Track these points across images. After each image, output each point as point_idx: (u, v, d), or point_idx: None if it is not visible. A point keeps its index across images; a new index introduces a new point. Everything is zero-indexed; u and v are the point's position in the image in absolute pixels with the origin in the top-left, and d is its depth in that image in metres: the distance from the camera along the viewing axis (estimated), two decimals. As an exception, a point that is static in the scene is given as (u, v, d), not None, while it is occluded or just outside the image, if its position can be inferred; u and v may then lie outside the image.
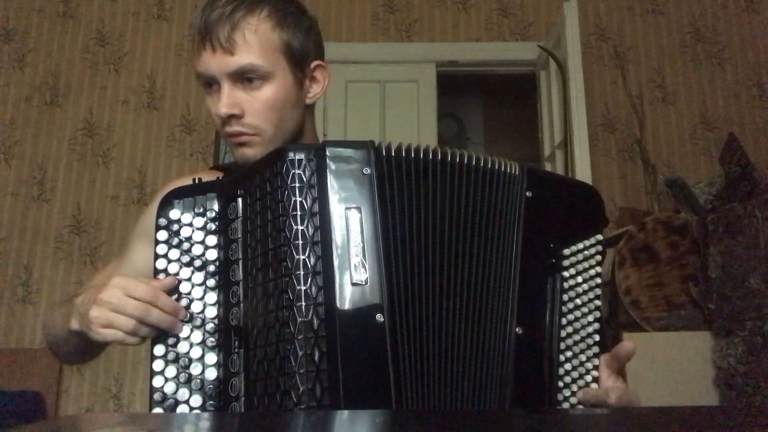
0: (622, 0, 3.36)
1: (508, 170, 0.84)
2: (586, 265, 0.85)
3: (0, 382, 2.72)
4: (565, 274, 0.83)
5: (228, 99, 0.91)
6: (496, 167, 0.83)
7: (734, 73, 3.26)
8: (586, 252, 0.86)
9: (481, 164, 0.81)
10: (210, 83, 0.94)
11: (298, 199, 0.71)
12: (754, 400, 1.99)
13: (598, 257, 0.87)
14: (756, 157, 2.90)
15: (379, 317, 0.68)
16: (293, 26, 0.95)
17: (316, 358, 0.66)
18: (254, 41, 0.91)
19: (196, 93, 3.23)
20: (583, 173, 2.60)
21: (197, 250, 0.78)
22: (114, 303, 0.74)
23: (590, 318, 0.84)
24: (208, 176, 0.98)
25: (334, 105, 3.21)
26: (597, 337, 0.84)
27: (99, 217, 3.08)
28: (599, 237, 0.87)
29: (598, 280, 0.86)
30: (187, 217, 0.80)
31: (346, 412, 0.63)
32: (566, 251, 0.84)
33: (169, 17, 3.33)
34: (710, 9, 3.34)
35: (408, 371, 0.70)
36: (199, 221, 0.80)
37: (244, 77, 0.91)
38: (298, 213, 0.71)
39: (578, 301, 0.84)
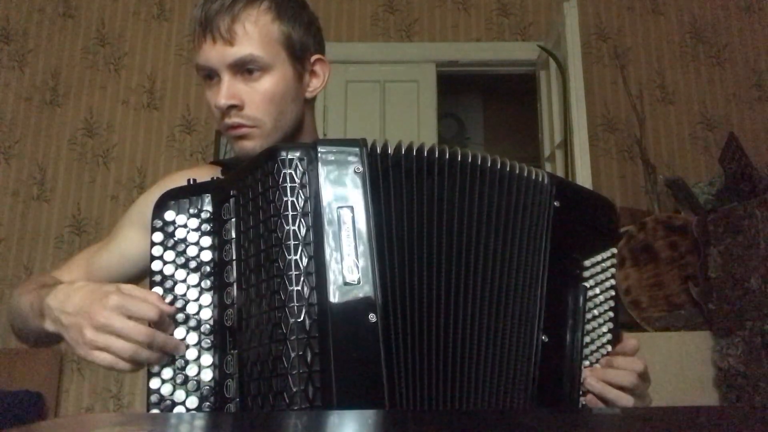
0: (622, 0, 3.36)
1: (536, 178, 0.83)
2: (602, 277, 0.86)
3: (0, 382, 2.72)
4: (586, 284, 0.84)
5: (228, 90, 0.91)
6: (521, 173, 0.82)
7: (734, 73, 3.26)
8: (603, 264, 0.87)
9: (498, 167, 0.81)
10: (210, 75, 0.94)
11: (290, 199, 0.71)
12: (754, 400, 1.99)
13: (613, 270, 0.87)
14: (756, 157, 2.90)
15: (371, 317, 0.67)
16: (293, 19, 0.95)
17: (309, 359, 0.66)
18: (254, 32, 0.90)
19: (196, 93, 3.23)
20: (583, 173, 2.59)
21: (192, 251, 0.78)
22: (116, 327, 0.71)
23: (604, 329, 0.85)
24: (207, 171, 0.97)
25: (334, 105, 3.21)
26: (609, 348, 0.85)
27: (99, 217, 3.08)
28: (614, 250, 0.88)
29: (613, 293, 0.87)
30: (181, 219, 0.79)
31: (339, 413, 0.63)
32: (587, 262, 0.85)
33: (169, 17, 3.33)
34: (710, 9, 3.34)
35: (402, 372, 0.69)
36: (193, 222, 0.79)
37: (244, 68, 0.91)
38: (290, 213, 0.70)
39: (595, 312, 0.85)
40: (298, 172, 0.72)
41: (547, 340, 0.78)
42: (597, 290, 0.85)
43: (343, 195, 0.71)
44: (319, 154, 0.72)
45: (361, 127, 3.17)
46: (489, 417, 0.61)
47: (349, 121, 3.21)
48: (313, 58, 0.99)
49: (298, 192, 0.71)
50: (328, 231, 0.69)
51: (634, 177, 3.12)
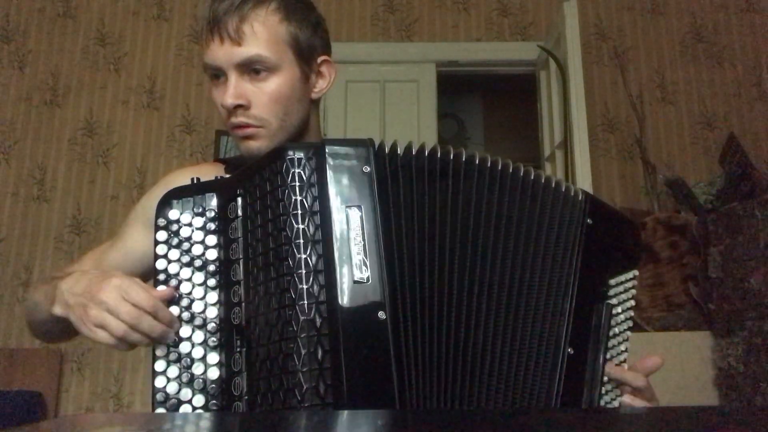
0: (622, 0, 3.36)
1: (568, 192, 0.84)
2: (625, 297, 0.87)
3: (0, 382, 2.72)
4: (610, 302, 0.85)
5: (234, 90, 0.91)
6: (548, 184, 0.83)
7: (734, 73, 3.26)
8: (626, 284, 0.88)
9: (521, 174, 0.81)
10: (217, 75, 0.94)
11: (299, 197, 0.71)
12: (754, 400, 2.00)
13: (634, 291, 0.89)
14: (756, 157, 2.90)
15: (381, 314, 0.68)
16: (301, 20, 0.95)
17: (319, 355, 0.66)
18: (262, 33, 0.91)
19: (196, 93, 3.23)
20: (583, 173, 2.59)
21: (197, 250, 0.78)
22: (110, 305, 0.73)
23: (622, 347, 0.87)
24: (210, 170, 0.98)
25: (334, 105, 3.21)
26: (626, 366, 0.86)
27: (99, 217, 3.08)
28: (636, 272, 0.90)
29: (632, 313, 0.88)
30: (186, 217, 0.80)
31: (350, 413, 0.63)
32: (612, 281, 0.86)
33: (169, 17, 3.33)
34: (710, 9, 3.34)
35: (413, 369, 0.70)
36: (198, 221, 0.80)
37: (251, 68, 0.92)
38: (299, 212, 0.71)
39: (616, 330, 0.86)
40: (306, 171, 0.72)
41: (572, 352, 0.79)
42: (619, 309, 0.86)
43: (351, 194, 0.72)
44: (327, 154, 0.73)
45: (361, 127, 3.17)
46: (496, 417, 0.61)
47: (349, 121, 3.21)
48: (320, 59, 0.99)
49: (307, 191, 0.72)
50: (337, 230, 0.70)
51: (634, 177, 3.12)
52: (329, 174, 0.72)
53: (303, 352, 0.67)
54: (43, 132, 3.17)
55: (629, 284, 0.88)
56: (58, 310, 0.80)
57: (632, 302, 0.88)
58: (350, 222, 0.70)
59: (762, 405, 1.96)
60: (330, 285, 0.68)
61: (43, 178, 3.12)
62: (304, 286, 0.69)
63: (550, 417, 0.60)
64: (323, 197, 0.71)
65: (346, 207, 0.71)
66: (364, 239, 0.70)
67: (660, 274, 2.33)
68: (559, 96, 2.96)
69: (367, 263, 0.69)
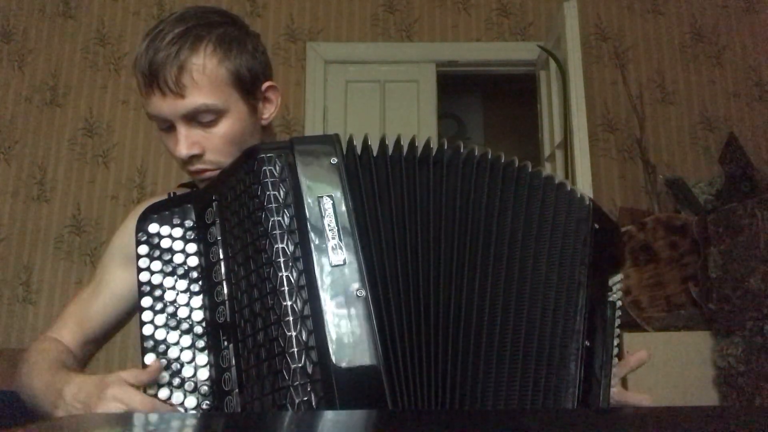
0: (622, 0, 3.36)
1: (573, 192, 0.85)
2: (617, 296, 0.90)
3: (0, 382, 2.72)
4: (613, 300, 0.88)
5: (186, 140, 0.90)
6: (555, 183, 0.84)
7: (734, 73, 3.26)
8: (617, 285, 0.91)
9: (513, 167, 0.83)
10: (164, 125, 0.93)
11: (272, 192, 0.75)
12: (754, 400, 2.00)
13: (621, 292, 0.92)
14: (756, 157, 2.90)
15: (360, 293, 0.70)
16: (239, 53, 0.93)
17: (304, 337, 0.69)
18: (203, 80, 0.89)
19: (196, 93, 3.23)
20: (583, 173, 2.59)
21: (178, 258, 0.81)
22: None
23: (615, 342, 0.88)
24: (180, 192, 0.99)
25: (334, 105, 3.21)
26: (616, 360, 0.88)
27: (99, 217, 3.08)
28: (622, 275, 0.93)
29: (620, 312, 0.92)
30: (165, 230, 0.83)
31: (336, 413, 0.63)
32: (609, 282, 0.89)
33: (169, 17, 3.33)
34: (710, 9, 3.34)
35: (398, 344, 0.71)
36: (177, 232, 0.82)
37: (198, 117, 0.90)
38: (273, 205, 0.74)
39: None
40: (277, 167, 0.76)
41: (589, 345, 0.80)
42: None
43: (322, 185, 0.76)
44: (296, 151, 0.77)
45: (361, 126, 3.17)
46: (485, 415, 0.61)
47: (349, 121, 3.21)
48: (264, 86, 0.98)
49: (279, 186, 0.76)
50: (311, 218, 0.73)
51: (634, 177, 3.12)
52: (299, 168, 0.76)
53: (288, 334, 0.69)
54: (43, 132, 3.17)
55: (619, 285, 0.92)
56: (60, 414, 0.82)
57: (620, 302, 0.93)
58: (323, 210, 0.74)
59: (762, 405, 1.96)
60: (308, 271, 0.71)
61: (43, 178, 3.12)
62: (284, 274, 0.71)
63: (550, 417, 0.60)
64: (295, 190, 0.75)
65: (318, 197, 0.75)
66: (337, 225, 0.73)
67: (660, 274, 2.33)
68: (559, 96, 2.96)
69: (343, 247, 0.72)
